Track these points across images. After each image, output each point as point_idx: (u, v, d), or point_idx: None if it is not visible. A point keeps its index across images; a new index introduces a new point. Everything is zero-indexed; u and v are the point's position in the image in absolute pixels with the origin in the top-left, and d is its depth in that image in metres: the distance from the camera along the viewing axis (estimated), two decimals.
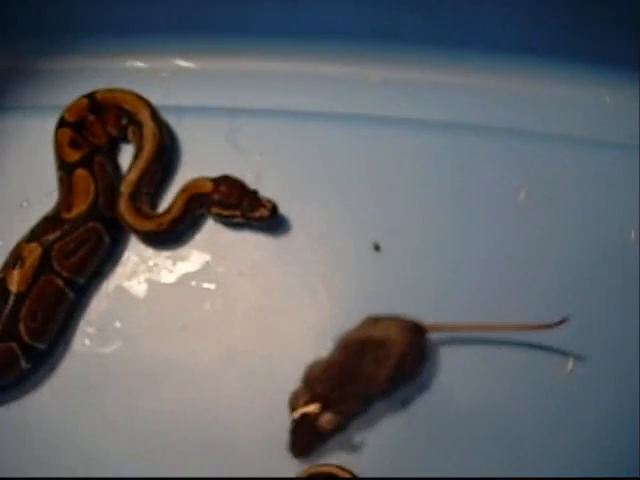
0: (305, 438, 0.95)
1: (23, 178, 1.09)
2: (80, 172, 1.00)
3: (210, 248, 1.05)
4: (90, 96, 1.05)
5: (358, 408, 0.96)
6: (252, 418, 0.99)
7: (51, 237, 0.97)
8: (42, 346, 0.99)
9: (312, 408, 0.93)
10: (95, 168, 1.02)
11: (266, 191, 1.04)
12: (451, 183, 1.07)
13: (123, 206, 1.01)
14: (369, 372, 0.93)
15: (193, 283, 1.04)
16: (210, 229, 1.05)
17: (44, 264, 0.97)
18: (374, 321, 0.97)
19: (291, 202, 1.05)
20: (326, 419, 0.93)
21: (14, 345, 0.95)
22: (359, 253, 1.04)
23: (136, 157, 1.03)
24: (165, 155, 1.06)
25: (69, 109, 1.04)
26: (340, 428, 0.96)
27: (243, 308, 1.02)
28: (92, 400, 1.00)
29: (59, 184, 1.03)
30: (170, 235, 1.03)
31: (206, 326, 1.02)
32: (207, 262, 1.04)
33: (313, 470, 0.97)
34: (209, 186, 1.01)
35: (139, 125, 1.03)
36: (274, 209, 0.99)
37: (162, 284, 1.04)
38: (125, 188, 1.01)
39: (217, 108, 1.11)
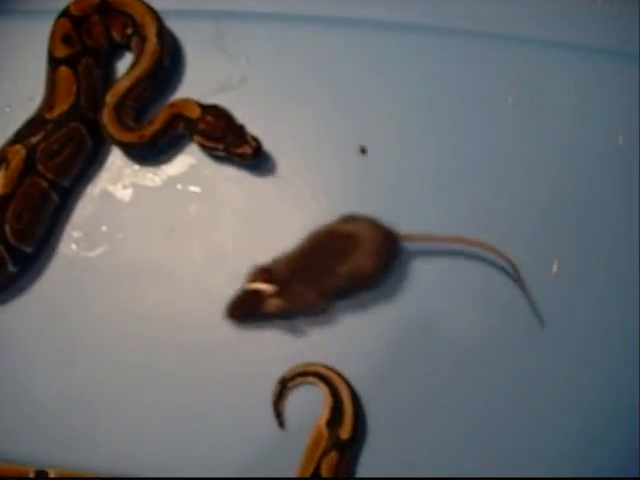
0: (247, 308, 0.95)
1: (5, 83, 1.08)
2: (63, 70, 0.98)
3: (195, 152, 1.03)
4: None
5: (312, 304, 0.96)
6: None
7: (35, 139, 0.96)
8: (28, 249, 0.98)
9: (266, 288, 0.94)
10: (80, 69, 0.99)
11: (251, 95, 1.03)
12: (439, 87, 1.06)
13: (106, 116, 0.99)
14: (329, 264, 0.93)
15: (179, 186, 1.03)
16: None
17: (28, 166, 0.96)
18: (350, 218, 0.96)
19: (276, 105, 1.04)
20: (274, 303, 0.94)
21: (0, 247, 0.95)
22: (345, 156, 1.03)
23: (130, 69, 1.01)
24: (160, 74, 1.03)
25: (77, 2, 1.01)
26: (286, 315, 0.96)
27: (229, 211, 1.02)
28: (78, 303, 1.01)
29: (45, 82, 1.01)
30: (151, 149, 1.02)
31: (192, 229, 1.02)
32: (192, 165, 1.04)
33: (298, 370, 0.98)
34: (197, 112, 0.99)
35: (143, 38, 1.01)
36: (258, 148, 0.97)
37: (147, 187, 1.03)
38: (111, 98, 0.99)
39: (202, 11, 1.09)
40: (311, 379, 0.98)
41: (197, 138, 0.99)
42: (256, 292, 0.94)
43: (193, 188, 1.03)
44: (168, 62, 1.03)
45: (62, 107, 0.97)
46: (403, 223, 0.97)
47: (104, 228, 1.02)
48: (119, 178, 1.04)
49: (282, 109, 1.05)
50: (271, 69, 1.06)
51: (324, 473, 0.94)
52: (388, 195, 1.02)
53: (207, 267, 1.01)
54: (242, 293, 0.96)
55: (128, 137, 0.99)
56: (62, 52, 0.99)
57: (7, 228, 0.95)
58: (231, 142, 0.97)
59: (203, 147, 1.00)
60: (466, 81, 1.06)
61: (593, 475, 0.93)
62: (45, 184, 0.98)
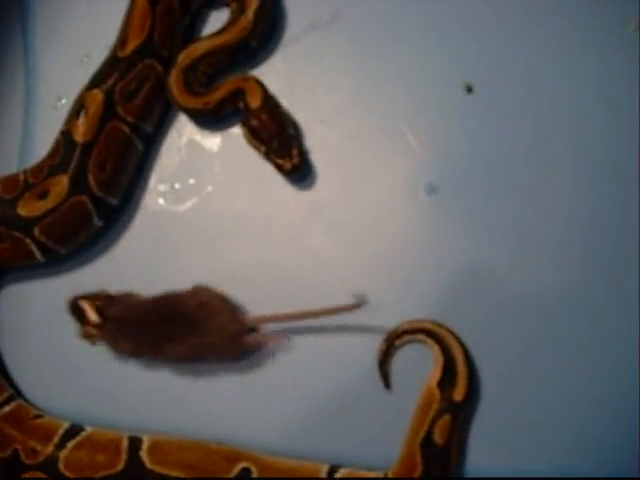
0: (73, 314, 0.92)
1: (83, 34, 1.01)
2: (140, 2, 0.92)
3: (288, 95, 0.96)
4: None
5: (124, 352, 0.92)
6: (339, 273, 0.93)
7: (111, 80, 0.91)
8: (113, 200, 0.93)
9: (92, 316, 0.90)
10: (159, 7, 0.93)
11: (344, 33, 0.96)
12: (551, 20, 0.96)
13: (173, 78, 0.93)
14: (163, 332, 0.88)
15: None
16: (287, 75, 0.97)
17: (108, 109, 0.91)
18: (202, 293, 0.90)
19: (372, 43, 0.96)
20: (89, 330, 0.90)
21: (85, 198, 0.90)
22: (450, 94, 0.95)
23: (214, 34, 0.95)
24: (242, 53, 0.96)
25: None
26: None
27: (326, 157, 0.95)
28: (168, 258, 0.95)
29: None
30: (216, 117, 0.95)
31: (285, 178, 0.95)
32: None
33: (406, 327, 0.91)
34: (257, 102, 0.91)
35: (241, 7, 0.94)
36: (297, 166, 0.90)
37: (237, 136, 0.95)
38: (183, 59, 0.93)
39: None
40: (420, 337, 0.91)
41: (244, 130, 0.93)
42: (82, 311, 0.90)
43: None
44: (256, 44, 0.96)
45: (135, 42, 0.92)
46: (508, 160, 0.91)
47: (192, 180, 0.96)
48: (206, 127, 0.97)
49: (378, 47, 0.96)
50: (363, 2, 0.97)
51: (437, 437, 0.87)
52: (497, 136, 0.94)
53: (302, 219, 0.94)
54: (73, 300, 0.92)
55: (192, 102, 0.93)
56: None
57: (90, 178, 0.90)
58: (274, 149, 0.91)
59: (247, 140, 0.93)
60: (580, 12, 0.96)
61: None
62: (127, 129, 0.92)
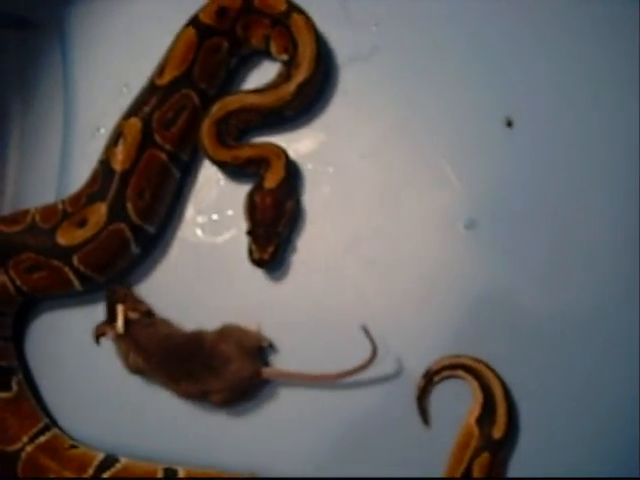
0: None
1: (122, 64, 1.02)
2: (190, 32, 0.92)
3: (325, 129, 0.96)
4: None
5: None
6: (378, 309, 0.93)
7: (148, 108, 0.91)
8: (151, 229, 0.93)
9: (119, 323, 0.91)
10: (208, 43, 0.93)
11: (384, 64, 0.96)
12: (594, 54, 0.95)
13: (205, 128, 0.92)
14: (180, 371, 0.89)
15: (309, 166, 0.96)
16: (322, 107, 0.97)
17: (146, 137, 0.91)
18: (226, 334, 0.90)
19: (412, 74, 0.96)
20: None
21: (123, 226, 0.90)
22: (490, 129, 0.94)
23: (255, 91, 0.94)
24: (275, 119, 0.95)
25: None
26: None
27: (365, 191, 0.95)
28: (204, 289, 0.95)
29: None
30: (241, 172, 0.95)
31: (325, 211, 0.95)
32: (324, 143, 0.96)
33: (446, 362, 0.90)
34: (271, 184, 0.91)
35: (288, 72, 0.93)
36: (261, 261, 0.90)
37: None
38: (216, 110, 0.93)
39: None
40: (459, 372, 0.90)
41: (247, 198, 0.93)
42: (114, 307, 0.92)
43: (325, 168, 0.96)
44: (291, 114, 0.95)
45: (173, 73, 0.92)
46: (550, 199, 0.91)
47: (230, 212, 0.96)
48: None
49: (418, 80, 0.96)
50: (404, 35, 0.97)
51: (476, 475, 0.86)
52: (536, 171, 0.93)
53: (339, 253, 0.94)
54: (114, 293, 0.94)
55: (222, 154, 0.93)
56: (207, 19, 0.93)
57: (129, 205, 0.90)
58: (256, 235, 0.91)
59: (243, 206, 0.93)
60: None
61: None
62: (164, 157, 0.92)
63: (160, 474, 0.89)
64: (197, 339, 0.90)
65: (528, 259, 0.92)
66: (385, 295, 0.92)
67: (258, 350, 0.90)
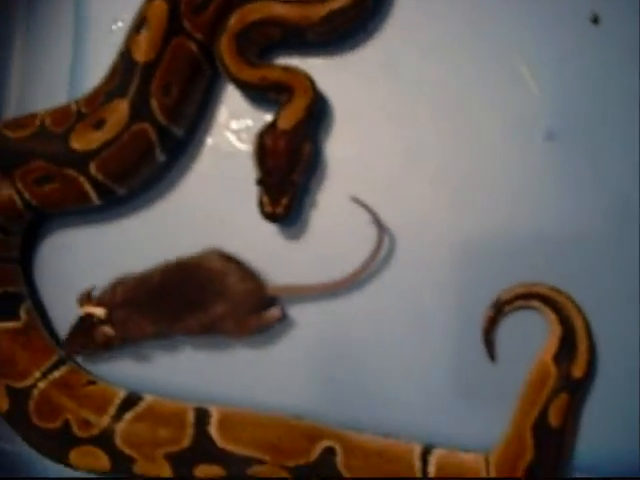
0: (80, 338, 0.80)
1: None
2: None
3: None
4: None
5: (149, 336, 0.80)
6: (441, 227, 0.81)
7: None
8: (179, 131, 0.81)
9: (98, 311, 0.79)
10: None
11: None
12: None
13: (224, 44, 0.79)
14: (180, 307, 0.78)
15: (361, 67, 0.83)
16: None
17: (173, 22, 0.78)
18: (217, 256, 0.80)
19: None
20: (103, 330, 0.79)
21: (147, 126, 0.77)
22: (574, 24, 0.81)
23: (286, 1, 0.80)
24: (298, 37, 0.82)
25: None
26: (120, 344, 0.81)
27: (428, 94, 0.82)
28: (238, 203, 0.82)
29: None
30: (264, 97, 0.82)
31: (387, 117, 0.82)
32: (380, 39, 0.83)
33: (520, 291, 0.79)
34: (287, 123, 0.78)
35: None
36: (274, 215, 0.77)
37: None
38: (234, 23, 0.79)
39: None
40: (534, 303, 0.78)
41: (256, 140, 0.79)
42: (88, 317, 0.80)
43: (380, 67, 0.83)
44: (315, 39, 0.82)
45: None
46: None
47: (268, 117, 0.82)
48: None
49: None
50: None
51: (552, 418, 0.76)
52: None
53: (400, 164, 0.82)
54: (77, 321, 0.81)
55: (247, 74, 0.79)
56: None
57: (154, 102, 0.77)
58: (267, 184, 0.78)
59: (252, 153, 0.80)
60: None
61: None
62: (194, 47, 0.79)
63: (191, 415, 0.79)
64: (179, 268, 0.79)
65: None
66: (450, 211, 0.81)
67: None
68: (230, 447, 0.76)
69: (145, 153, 0.79)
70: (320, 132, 0.82)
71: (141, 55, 0.77)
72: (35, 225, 0.85)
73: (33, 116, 0.80)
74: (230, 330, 0.79)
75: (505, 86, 0.81)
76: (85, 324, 0.80)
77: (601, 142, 0.81)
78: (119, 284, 0.80)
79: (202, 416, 0.78)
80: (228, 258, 0.79)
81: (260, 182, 0.78)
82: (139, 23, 0.78)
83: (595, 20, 0.81)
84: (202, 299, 0.78)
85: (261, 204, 0.78)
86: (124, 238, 0.84)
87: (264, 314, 0.79)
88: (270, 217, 0.78)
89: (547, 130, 0.80)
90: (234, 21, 0.79)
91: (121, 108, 0.77)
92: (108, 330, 0.79)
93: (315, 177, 0.82)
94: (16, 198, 0.79)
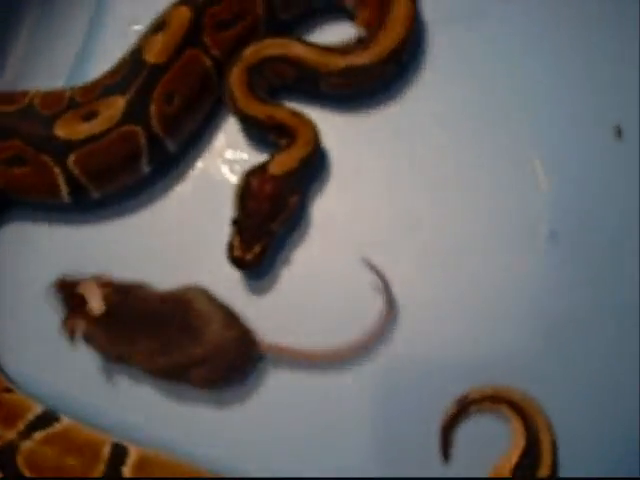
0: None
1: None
2: None
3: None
4: None
5: (105, 352, 0.74)
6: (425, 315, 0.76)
7: (201, 0, 0.75)
8: (171, 145, 0.76)
9: (96, 303, 0.72)
10: None
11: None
12: None
13: (235, 74, 0.76)
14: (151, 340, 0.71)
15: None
16: None
17: (193, 32, 0.74)
18: (201, 296, 0.73)
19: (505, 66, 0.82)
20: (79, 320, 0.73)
21: (139, 130, 0.73)
22: (595, 137, 0.80)
23: (309, 43, 0.78)
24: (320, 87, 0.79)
25: None
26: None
27: (434, 167, 0.79)
28: (216, 233, 0.75)
29: None
30: (265, 137, 0.78)
31: (376, 189, 0.79)
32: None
33: (489, 392, 0.73)
34: (279, 168, 0.73)
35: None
36: (242, 262, 0.72)
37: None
38: (249, 55, 0.76)
39: None
40: (503, 408, 0.72)
41: (242, 178, 0.75)
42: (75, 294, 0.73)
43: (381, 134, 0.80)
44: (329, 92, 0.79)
45: None
46: None
47: (266, 156, 0.78)
48: None
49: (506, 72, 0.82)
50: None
51: None
52: None
53: (398, 238, 0.78)
54: (64, 280, 0.75)
55: (254, 109, 0.76)
56: None
57: (153, 108, 0.73)
58: (242, 226, 0.73)
59: (235, 189, 0.75)
60: None
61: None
62: (209, 62, 0.76)
63: (107, 449, 0.70)
64: (171, 299, 0.73)
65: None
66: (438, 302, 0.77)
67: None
68: None
69: (130, 158, 0.74)
70: (313, 185, 0.78)
71: (151, 55, 0.73)
72: None
73: (24, 93, 0.76)
74: (197, 382, 0.72)
75: (514, 175, 0.78)
76: (66, 295, 0.73)
77: (601, 247, 0.78)
78: (131, 290, 0.74)
79: (119, 453, 0.70)
80: (215, 302, 0.73)
81: (235, 223, 0.73)
82: (158, 25, 0.75)
83: (618, 133, 0.79)
84: (178, 340, 0.71)
85: (230, 247, 0.72)
86: (85, 246, 0.78)
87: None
88: (237, 262, 0.72)
89: (550, 229, 0.77)
90: (250, 52, 0.76)
91: (117, 104, 0.72)
92: (81, 325, 0.72)
93: (300, 230, 0.78)
94: None
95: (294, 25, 0.80)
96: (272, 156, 0.75)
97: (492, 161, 0.79)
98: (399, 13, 0.76)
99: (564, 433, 0.72)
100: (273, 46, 0.77)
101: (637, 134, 0.79)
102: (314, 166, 0.77)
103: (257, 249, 0.72)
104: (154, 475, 0.69)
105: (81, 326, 0.72)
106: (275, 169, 0.74)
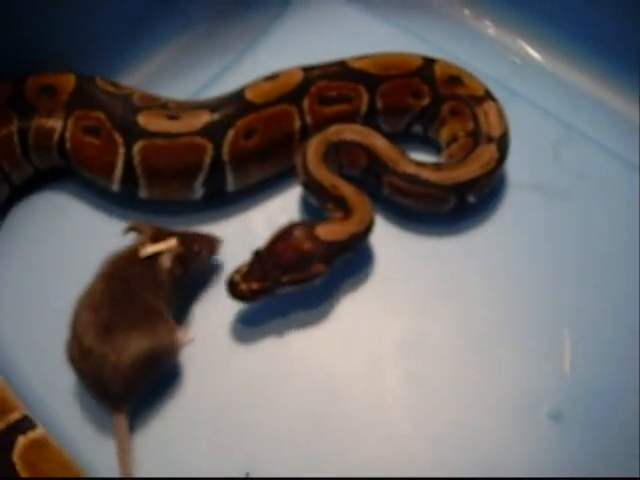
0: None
1: None
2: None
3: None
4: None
5: None
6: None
7: (318, 71, 0.81)
8: (231, 183, 0.80)
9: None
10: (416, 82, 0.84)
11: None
12: None
13: (314, 144, 0.78)
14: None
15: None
16: None
17: (297, 92, 0.80)
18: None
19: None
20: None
21: (209, 146, 0.76)
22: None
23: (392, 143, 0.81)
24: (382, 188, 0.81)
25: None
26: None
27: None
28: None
29: None
30: (319, 203, 0.79)
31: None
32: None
33: None
34: (321, 235, 0.73)
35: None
36: (237, 289, 0.71)
37: None
38: (332, 133, 0.79)
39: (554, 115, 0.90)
40: None
41: (282, 226, 0.75)
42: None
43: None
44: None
45: (368, 65, 0.83)
46: None
47: None
48: None
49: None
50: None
51: None
52: None
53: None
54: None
55: (322, 174, 0.77)
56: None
57: (230, 134, 0.76)
58: (257, 259, 0.72)
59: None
60: None
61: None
62: (298, 124, 0.80)
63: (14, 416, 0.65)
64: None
65: None
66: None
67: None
68: None
69: (189, 169, 0.77)
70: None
71: (252, 94, 0.79)
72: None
73: (127, 87, 0.83)
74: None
75: (539, 345, 0.74)
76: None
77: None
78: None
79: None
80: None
81: (255, 254, 0.72)
82: (270, 77, 0.81)
83: None
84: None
85: (236, 269, 0.71)
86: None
87: None
88: (230, 286, 0.71)
89: (555, 408, 0.71)
90: (333, 131, 0.80)
91: (201, 116, 0.77)
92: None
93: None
94: (55, 134, 0.78)
95: (389, 135, 0.82)
96: (324, 220, 0.76)
97: (516, 327, 0.76)
98: (483, 156, 0.79)
99: None
100: (356, 132, 0.80)
101: None
102: (355, 250, 0.76)
103: (254, 286, 0.71)
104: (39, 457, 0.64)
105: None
106: (321, 232, 0.73)
